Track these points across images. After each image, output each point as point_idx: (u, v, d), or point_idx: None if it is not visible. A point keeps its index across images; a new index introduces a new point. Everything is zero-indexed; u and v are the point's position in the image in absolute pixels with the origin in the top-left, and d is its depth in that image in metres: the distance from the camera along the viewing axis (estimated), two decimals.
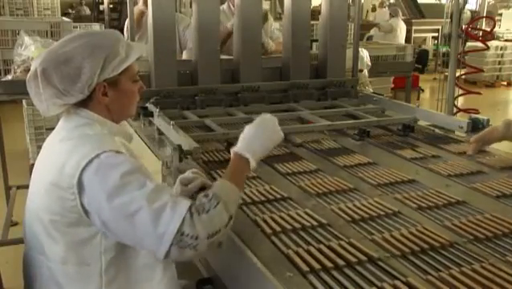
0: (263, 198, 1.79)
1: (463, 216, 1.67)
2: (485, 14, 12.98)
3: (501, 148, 2.50)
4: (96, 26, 6.76)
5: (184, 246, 1.34)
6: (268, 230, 1.54)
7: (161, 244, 1.34)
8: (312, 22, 4.37)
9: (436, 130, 2.78)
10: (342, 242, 1.47)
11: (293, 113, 2.97)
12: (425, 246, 1.45)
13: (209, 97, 3.06)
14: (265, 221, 1.60)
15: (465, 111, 4.34)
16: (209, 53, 3.12)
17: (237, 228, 1.52)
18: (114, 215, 1.39)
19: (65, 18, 6.49)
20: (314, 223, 1.59)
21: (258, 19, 3.24)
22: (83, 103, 1.56)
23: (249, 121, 2.74)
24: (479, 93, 4.88)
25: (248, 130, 1.64)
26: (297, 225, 1.57)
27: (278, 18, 8.13)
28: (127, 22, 3.67)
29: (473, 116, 2.74)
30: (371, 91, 4.25)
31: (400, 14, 11.34)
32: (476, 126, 2.62)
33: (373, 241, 1.50)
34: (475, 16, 10.24)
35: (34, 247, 1.59)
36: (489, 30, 5.64)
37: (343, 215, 1.67)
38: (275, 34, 4.20)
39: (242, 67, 3.21)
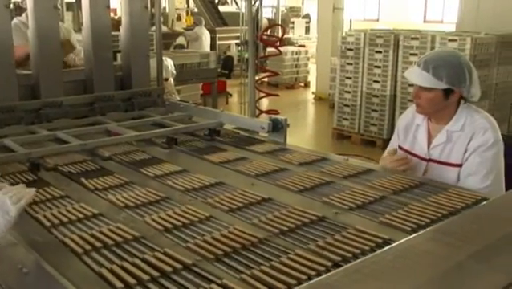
0: (73, 217, 1.72)
1: (269, 212, 1.76)
2: (280, 23, 14.02)
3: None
4: None
5: None
6: (79, 250, 1.49)
7: None
8: (115, 33, 4.32)
9: (241, 132, 2.94)
10: (156, 253, 1.46)
11: (100, 126, 2.92)
12: (237, 245, 1.51)
13: (7, 115, 2.86)
14: (74, 241, 1.54)
15: (266, 112, 4.65)
16: (2, 68, 2.91)
17: (43, 251, 1.47)
18: None
19: None
20: (128, 237, 1.57)
21: (55, 30, 3.12)
22: None
23: (55, 138, 2.67)
24: (277, 95, 5.28)
25: None
26: (109, 241, 1.54)
27: (80, 29, 7.86)
28: None
29: (273, 116, 2.94)
30: (178, 98, 4.34)
31: (204, 22, 11.72)
32: (276, 126, 2.78)
33: (187, 248, 1.52)
34: (271, 24, 11.01)
35: None
36: (280, 36, 6.13)
37: (156, 226, 1.67)
38: (78, 48, 4.06)
39: (42, 81, 3.06)
